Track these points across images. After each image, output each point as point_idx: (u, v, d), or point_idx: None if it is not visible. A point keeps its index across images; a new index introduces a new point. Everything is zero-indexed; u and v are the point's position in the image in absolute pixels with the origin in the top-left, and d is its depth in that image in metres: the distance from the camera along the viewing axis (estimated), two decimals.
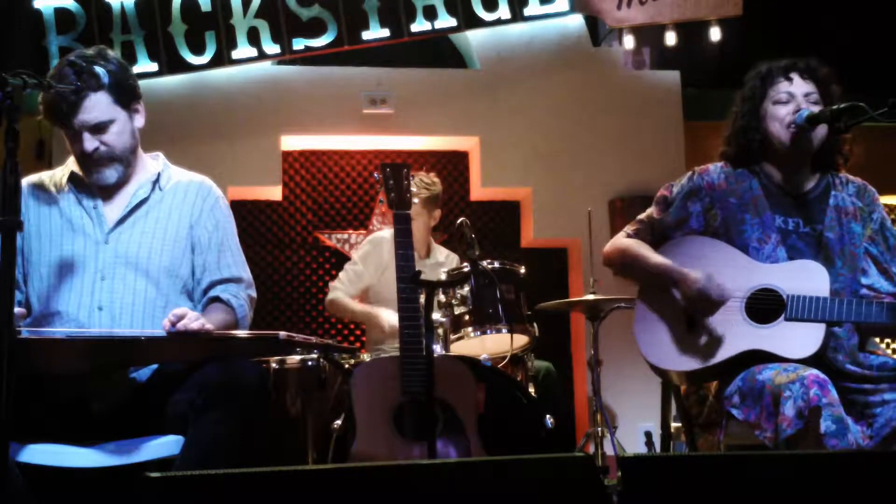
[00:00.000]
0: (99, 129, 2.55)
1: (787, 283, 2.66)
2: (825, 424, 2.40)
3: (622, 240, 2.94)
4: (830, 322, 2.60)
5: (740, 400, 2.60)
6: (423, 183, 4.36)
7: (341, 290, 4.45)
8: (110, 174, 2.60)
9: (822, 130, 2.73)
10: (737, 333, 2.68)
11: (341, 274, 4.53)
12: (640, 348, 2.81)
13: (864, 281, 2.76)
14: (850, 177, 2.86)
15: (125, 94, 2.59)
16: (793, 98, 2.74)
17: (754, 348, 2.64)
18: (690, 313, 2.75)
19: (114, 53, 2.64)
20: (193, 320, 2.35)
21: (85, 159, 2.57)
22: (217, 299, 2.66)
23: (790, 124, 2.72)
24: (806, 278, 2.65)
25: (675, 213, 2.86)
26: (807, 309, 2.61)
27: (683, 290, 2.72)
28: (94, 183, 2.62)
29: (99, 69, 2.54)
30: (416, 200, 4.27)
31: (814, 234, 2.75)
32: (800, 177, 2.81)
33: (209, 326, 2.38)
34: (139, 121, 2.66)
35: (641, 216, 2.95)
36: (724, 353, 2.68)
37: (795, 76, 2.77)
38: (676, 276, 2.75)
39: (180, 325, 2.34)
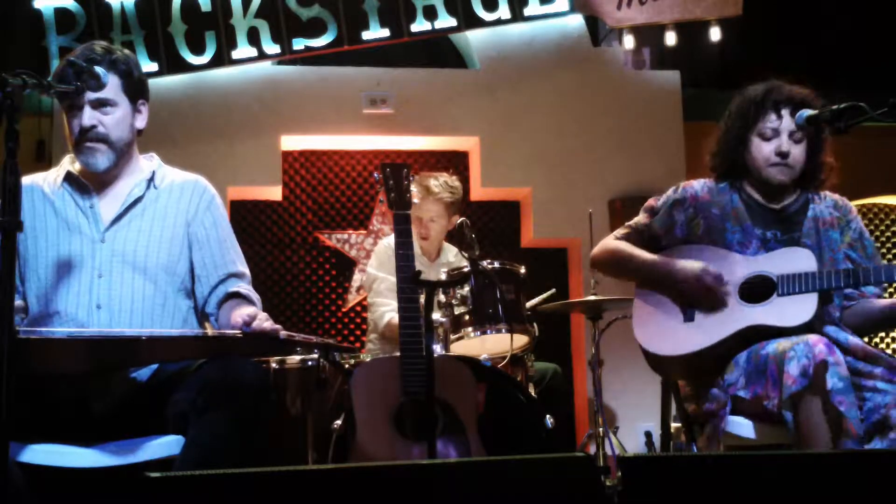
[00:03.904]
0: (101, 104, 2.57)
1: (776, 268, 2.79)
2: (832, 381, 2.48)
3: (612, 241, 3.08)
4: (821, 290, 2.72)
5: (745, 381, 2.68)
6: (447, 187, 4.30)
7: (392, 309, 4.12)
8: (102, 160, 2.60)
9: (800, 160, 2.89)
10: (733, 315, 2.80)
11: (376, 296, 4.26)
12: (637, 340, 2.91)
13: None
14: (829, 193, 3.01)
15: (133, 86, 2.63)
16: (777, 135, 2.87)
17: (751, 324, 2.75)
18: (686, 305, 2.86)
19: (128, 52, 2.69)
20: (265, 320, 2.37)
21: (80, 137, 2.58)
22: (237, 294, 2.67)
23: (772, 163, 2.86)
24: (794, 262, 2.79)
25: (660, 221, 3.00)
26: (796, 283, 2.74)
27: (679, 278, 2.85)
28: (84, 168, 2.62)
29: (115, 57, 2.59)
30: (440, 203, 4.25)
31: (792, 242, 2.88)
32: (781, 197, 2.96)
33: (278, 326, 2.39)
34: (140, 121, 2.68)
35: (630, 223, 3.09)
36: (721, 333, 2.78)
37: (786, 113, 2.88)
38: (669, 267, 2.89)
39: (255, 325, 2.35)
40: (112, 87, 2.57)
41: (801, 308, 2.72)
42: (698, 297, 2.84)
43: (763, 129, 2.89)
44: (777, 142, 2.87)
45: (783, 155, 2.86)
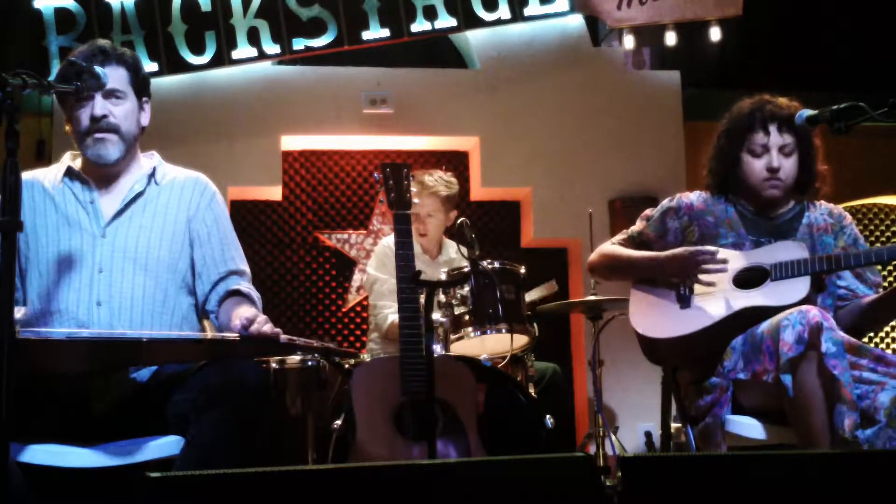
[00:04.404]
0: (112, 94, 2.59)
1: (769, 259, 2.88)
2: (826, 345, 2.54)
3: (606, 246, 3.20)
4: (814, 273, 2.80)
5: (744, 363, 2.73)
6: (442, 181, 4.31)
7: (395, 311, 3.97)
8: (112, 150, 2.61)
9: (792, 173, 2.96)
10: (728, 300, 2.87)
11: (378, 298, 4.25)
12: (633, 326, 2.98)
13: (839, 283, 2.97)
14: (825, 202, 3.08)
15: (139, 81, 2.67)
16: (767, 151, 2.96)
17: (746, 306, 2.82)
18: (682, 292, 2.94)
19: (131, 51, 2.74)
20: (264, 323, 2.35)
21: (91, 127, 2.58)
22: (238, 292, 2.67)
23: (763, 179, 2.95)
24: (787, 252, 2.87)
25: (653, 227, 3.12)
26: (790, 269, 2.83)
27: (672, 265, 2.92)
28: (94, 161, 2.62)
29: (121, 51, 2.64)
30: (435, 196, 4.26)
31: None
32: (775, 210, 3.04)
33: (278, 330, 2.38)
34: (144, 118, 2.70)
35: (627, 230, 3.20)
36: (717, 316, 2.85)
37: (773, 129, 2.96)
38: (663, 257, 2.96)
39: (253, 329, 2.33)
40: (121, 79, 2.61)
41: (794, 288, 2.79)
42: (694, 274, 2.89)
43: (752, 146, 2.97)
44: (767, 158, 2.95)
45: (773, 170, 2.94)
